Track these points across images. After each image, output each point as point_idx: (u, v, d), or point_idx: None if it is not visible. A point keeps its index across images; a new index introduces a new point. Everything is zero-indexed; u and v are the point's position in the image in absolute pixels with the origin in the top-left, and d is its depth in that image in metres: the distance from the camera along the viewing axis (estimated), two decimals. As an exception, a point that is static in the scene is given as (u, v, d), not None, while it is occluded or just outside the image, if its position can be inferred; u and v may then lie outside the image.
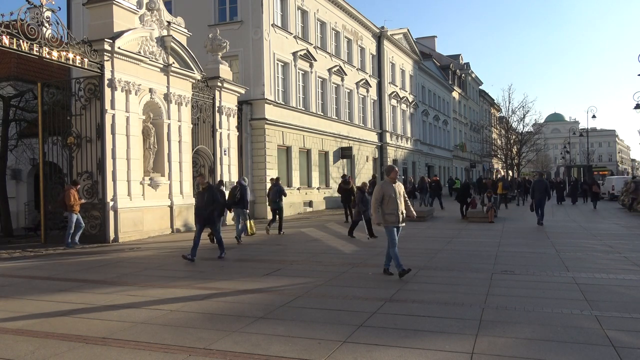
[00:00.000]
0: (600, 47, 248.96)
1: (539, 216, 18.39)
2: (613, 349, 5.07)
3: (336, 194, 24.64)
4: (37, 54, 12.80)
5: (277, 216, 16.37)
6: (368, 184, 16.75)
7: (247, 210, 14.83)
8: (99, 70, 14.65)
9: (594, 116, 52.70)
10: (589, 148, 63.39)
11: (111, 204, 14.69)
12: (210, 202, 11.26)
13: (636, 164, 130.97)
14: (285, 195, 16.58)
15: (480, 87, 71.50)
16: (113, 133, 14.91)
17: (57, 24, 13.58)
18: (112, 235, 14.66)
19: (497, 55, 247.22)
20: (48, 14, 13.36)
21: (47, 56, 13.06)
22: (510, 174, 59.38)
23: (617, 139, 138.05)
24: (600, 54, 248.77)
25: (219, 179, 19.84)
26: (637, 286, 8.13)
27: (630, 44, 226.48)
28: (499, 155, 62.41)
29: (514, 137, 58.87)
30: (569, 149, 69.44)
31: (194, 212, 13.07)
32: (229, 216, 18.06)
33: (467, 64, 65.25)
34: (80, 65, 14.06)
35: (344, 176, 23.57)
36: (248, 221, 14.91)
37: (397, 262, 8.71)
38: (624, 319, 6.15)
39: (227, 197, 14.84)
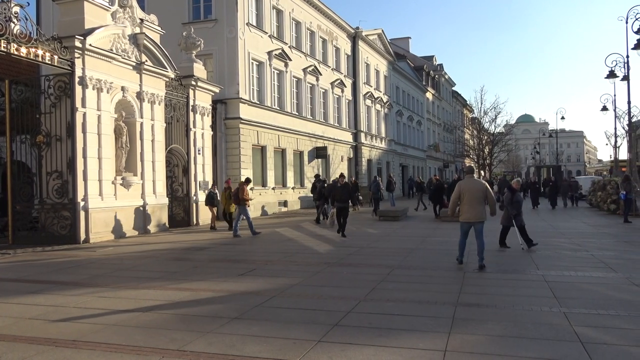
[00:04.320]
0: (569, 50, 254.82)
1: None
2: (580, 344, 5.21)
3: (311, 194, 24.64)
4: (5, 50, 12.45)
5: (376, 204, 23.36)
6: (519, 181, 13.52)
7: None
8: (69, 68, 14.36)
9: (562, 117, 54.11)
10: (558, 149, 64.81)
11: (82, 204, 14.42)
12: None
13: (603, 164, 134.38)
14: (380, 189, 24.64)
15: (453, 88, 72.42)
16: (84, 132, 14.63)
17: (26, 19, 13.25)
18: (82, 235, 14.38)
19: (470, 57, 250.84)
20: (16, 9, 13.04)
21: (15, 52, 12.73)
22: (482, 173, 60.33)
23: (584, 140, 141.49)
24: (569, 57, 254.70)
25: (193, 178, 19.68)
26: (603, 283, 8.36)
27: (597, 47, 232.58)
28: (471, 156, 63.38)
29: (486, 137, 59.86)
30: (539, 149, 70.93)
31: None
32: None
33: (441, 65, 65.98)
34: (49, 62, 13.76)
35: (317, 176, 23.67)
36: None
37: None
38: (590, 315, 6.31)
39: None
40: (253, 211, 23.60)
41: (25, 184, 15.06)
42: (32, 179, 15.15)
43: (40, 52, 13.30)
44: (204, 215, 20.25)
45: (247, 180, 16.74)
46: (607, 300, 7.12)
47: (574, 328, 5.74)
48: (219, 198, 18.44)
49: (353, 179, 29.70)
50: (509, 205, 12.26)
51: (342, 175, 17.28)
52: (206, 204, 18.44)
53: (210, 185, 19.69)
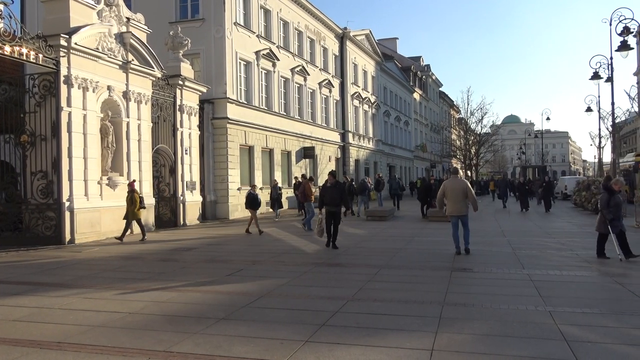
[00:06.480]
0: (554, 52, 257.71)
1: (503, 202, 30.00)
2: (565, 342, 5.26)
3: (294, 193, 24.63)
4: (-12, 48, 12.30)
5: (397, 201, 26.90)
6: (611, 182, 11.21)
7: (370, 194, 25.30)
8: (54, 67, 14.20)
9: (548, 118, 54.45)
10: (543, 149, 65.43)
11: (67, 204, 14.27)
12: None
13: (587, 164, 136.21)
14: (404, 187, 29.83)
15: (440, 89, 72.80)
16: (69, 131, 14.48)
17: (10, 17, 13.06)
18: (68, 236, 14.23)
19: (457, 59, 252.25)
20: (0, 7, 12.85)
21: (-1, 51, 12.57)
22: (469, 174, 60.74)
23: (569, 141, 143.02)
24: (554, 58, 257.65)
25: (180, 178, 19.57)
26: (587, 282, 8.47)
27: (582, 49, 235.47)
28: (458, 156, 63.77)
29: (472, 138, 60.26)
30: (524, 149, 71.55)
31: None
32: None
33: (428, 66, 66.24)
34: (34, 61, 13.60)
35: (303, 176, 23.61)
36: (371, 199, 25.66)
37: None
38: (575, 314, 6.39)
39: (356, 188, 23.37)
40: (240, 212, 23.62)
41: (9, 184, 14.87)
42: (16, 179, 14.96)
43: (24, 50, 13.14)
44: (191, 215, 20.15)
45: (310, 178, 19.53)
46: (591, 299, 7.22)
47: (559, 326, 5.80)
48: (259, 200, 17.03)
49: (350, 178, 29.06)
50: (604, 209, 10.35)
51: (332, 173, 13.32)
52: (246, 207, 17.16)
53: (250, 187, 18.03)
